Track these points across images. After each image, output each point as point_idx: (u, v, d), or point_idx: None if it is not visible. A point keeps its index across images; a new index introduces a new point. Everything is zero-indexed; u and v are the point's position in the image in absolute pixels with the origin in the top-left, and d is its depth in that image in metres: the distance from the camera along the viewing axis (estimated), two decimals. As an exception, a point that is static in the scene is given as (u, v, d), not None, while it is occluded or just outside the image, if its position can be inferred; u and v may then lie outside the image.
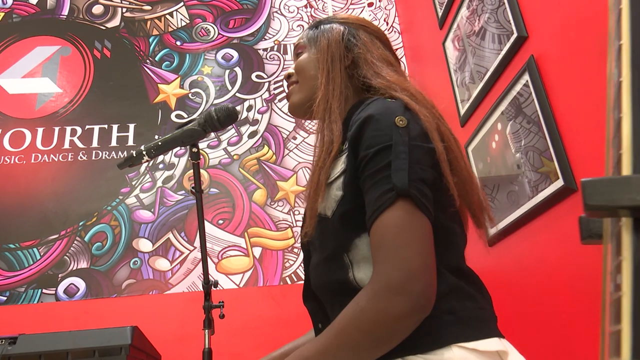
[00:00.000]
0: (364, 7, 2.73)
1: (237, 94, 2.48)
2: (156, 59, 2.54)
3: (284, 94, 2.48)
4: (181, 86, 2.49)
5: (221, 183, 2.29)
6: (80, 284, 2.07)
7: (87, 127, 2.36)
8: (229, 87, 2.50)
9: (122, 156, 2.31)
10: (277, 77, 2.53)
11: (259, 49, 2.60)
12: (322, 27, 0.87)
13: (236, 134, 2.40)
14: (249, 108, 2.45)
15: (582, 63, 1.08)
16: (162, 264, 2.12)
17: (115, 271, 2.09)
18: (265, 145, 2.38)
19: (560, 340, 1.19)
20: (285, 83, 2.45)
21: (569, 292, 1.15)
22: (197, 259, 2.13)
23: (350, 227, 0.68)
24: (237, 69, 2.54)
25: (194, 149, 0.82)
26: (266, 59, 2.58)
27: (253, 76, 2.53)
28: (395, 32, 2.71)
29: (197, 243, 2.16)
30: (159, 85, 2.48)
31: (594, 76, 1.05)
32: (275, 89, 2.51)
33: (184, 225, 2.20)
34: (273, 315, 2.02)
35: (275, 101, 2.47)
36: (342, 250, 0.69)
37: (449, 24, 1.88)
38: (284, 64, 2.56)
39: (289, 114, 0.91)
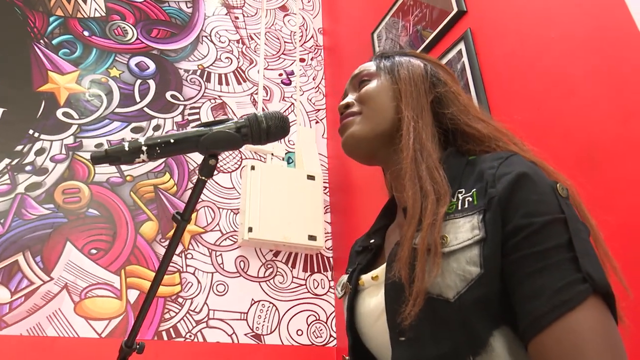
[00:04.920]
0: (295, 60, 2.70)
1: (145, 109, 2.16)
2: (53, 42, 2.11)
3: (199, 122, 2.24)
4: (78, 82, 2.08)
5: (104, 205, 1.90)
6: None
7: None
8: (137, 99, 2.17)
9: (-25, 144, 1.79)
10: (194, 102, 2.29)
11: (180, 69, 2.34)
12: (396, 58, 0.74)
13: (135, 152, 2.05)
14: (156, 127, 2.15)
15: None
16: (-2, 293, 1.61)
17: None
18: (167, 173, 2.07)
19: None
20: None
21: None
22: (50, 294, 1.67)
23: (484, 320, 0.50)
24: (151, 82, 2.24)
25: (212, 161, 0.59)
26: (186, 80, 2.33)
27: (168, 95, 2.25)
28: (320, 93, 2.71)
29: (55, 273, 1.70)
30: (49, 72, 2.04)
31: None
32: (190, 114, 2.25)
33: (42, 248, 1.73)
34: (139, 377, 1.64)
35: (188, 128, 2.21)
36: (466, 351, 0.50)
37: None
38: (204, 91, 2.34)
39: (343, 150, 0.69)
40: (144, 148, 0.55)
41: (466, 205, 0.56)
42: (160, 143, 0.56)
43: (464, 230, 0.54)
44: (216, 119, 0.62)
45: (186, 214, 0.62)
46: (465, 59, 1.54)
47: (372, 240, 0.72)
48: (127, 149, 0.54)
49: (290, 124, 0.62)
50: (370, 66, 0.75)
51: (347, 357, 0.67)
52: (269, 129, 0.59)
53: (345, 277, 0.74)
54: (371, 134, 0.68)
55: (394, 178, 0.68)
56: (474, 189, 0.57)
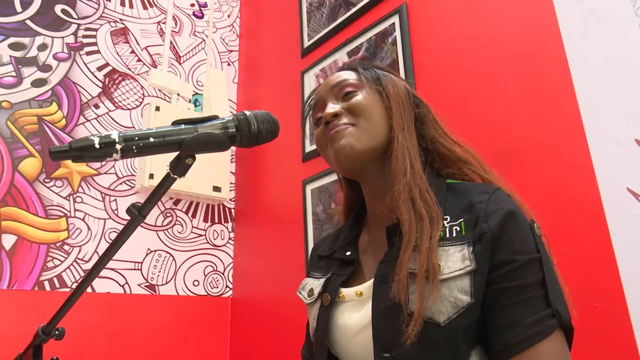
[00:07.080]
0: (210, -8, 2.47)
1: (28, 22, 1.82)
2: None
3: (95, 47, 1.96)
4: (-64, -27, 1.66)
5: (-28, 133, 1.60)
6: None
7: None
8: (19, 9, 1.81)
9: None
10: (90, 22, 1.98)
11: (75, -21, 1.99)
12: (378, 71, 0.72)
13: (14, 72, 1.74)
14: (42, 47, 1.83)
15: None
16: None
17: None
18: (55, 103, 1.81)
19: None
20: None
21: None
22: None
23: (467, 343, 0.55)
24: (37, -10, 1.88)
25: (189, 160, 0.50)
26: (81, -6, 2.00)
27: (57, 9, 1.91)
28: (234, 33, 2.53)
29: None
30: None
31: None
32: (85, 36, 1.95)
33: None
34: (15, 332, 1.49)
35: (82, 52, 1.93)
36: None
37: (318, 58, 1.88)
38: (103, 11, 2.03)
39: (338, 164, 0.68)
40: (119, 146, 0.46)
41: (454, 235, 0.59)
42: (138, 141, 0.47)
43: (455, 260, 0.57)
44: (199, 117, 0.53)
45: (145, 209, 0.54)
46: (397, 33, 1.55)
47: (348, 253, 0.72)
48: (97, 145, 0.45)
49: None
50: (351, 76, 0.72)
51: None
52: (260, 133, 0.53)
53: (311, 282, 0.74)
54: (368, 148, 0.66)
55: (383, 196, 0.67)
56: (462, 219, 0.60)
